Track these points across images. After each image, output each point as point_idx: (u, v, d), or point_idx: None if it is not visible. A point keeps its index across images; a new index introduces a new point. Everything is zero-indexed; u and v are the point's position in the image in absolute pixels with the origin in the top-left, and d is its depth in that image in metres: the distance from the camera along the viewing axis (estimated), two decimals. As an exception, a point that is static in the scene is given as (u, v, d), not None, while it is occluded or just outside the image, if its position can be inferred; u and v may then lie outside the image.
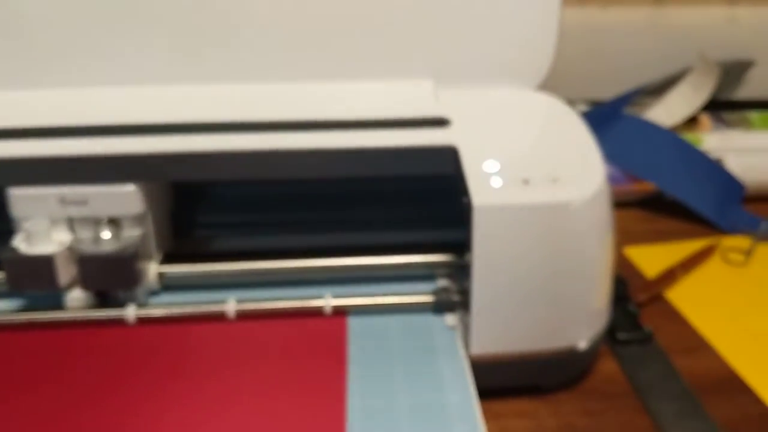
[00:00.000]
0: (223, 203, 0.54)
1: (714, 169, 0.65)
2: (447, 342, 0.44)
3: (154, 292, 0.48)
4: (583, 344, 0.44)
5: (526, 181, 0.41)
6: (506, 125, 0.46)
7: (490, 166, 0.42)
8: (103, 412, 0.39)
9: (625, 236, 0.62)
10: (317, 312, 0.46)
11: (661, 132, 0.67)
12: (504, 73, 0.50)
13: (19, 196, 0.43)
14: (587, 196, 0.40)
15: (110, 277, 0.44)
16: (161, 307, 0.45)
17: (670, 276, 0.55)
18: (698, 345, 0.49)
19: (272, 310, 0.46)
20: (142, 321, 0.45)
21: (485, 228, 0.40)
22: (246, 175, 0.44)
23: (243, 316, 0.45)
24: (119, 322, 0.45)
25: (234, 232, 0.53)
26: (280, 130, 0.44)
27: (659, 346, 0.49)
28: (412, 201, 0.54)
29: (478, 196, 0.40)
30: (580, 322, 0.43)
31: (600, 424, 0.43)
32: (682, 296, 0.54)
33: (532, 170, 0.41)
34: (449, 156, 0.43)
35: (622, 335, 0.48)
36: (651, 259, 0.59)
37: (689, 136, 0.71)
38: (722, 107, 0.75)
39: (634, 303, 0.51)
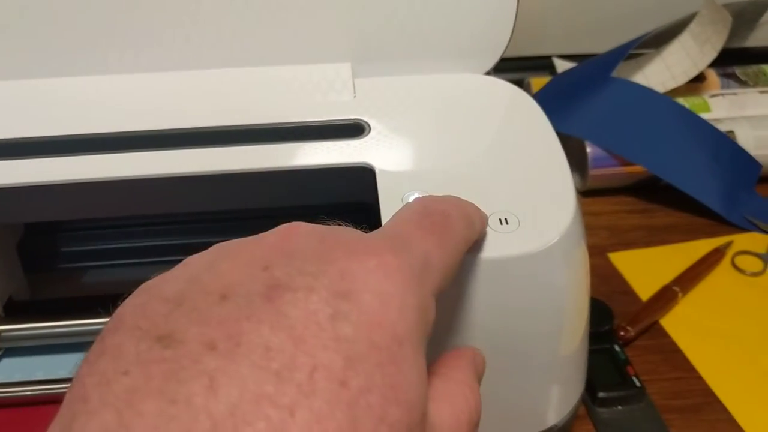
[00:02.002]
0: (88, 226, 0.42)
1: (723, 145, 0.53)
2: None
3: (-8, 358, 0.36)
4: (555, 423, 0.33)
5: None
6: (442, 130, 0.34)
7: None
8: None
9: (610, 234, 0.51)
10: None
11: (659, 100, 0.54)
12: (446, 53, 0.37)
13: None
14: (552, 244, 0.28)
15: None
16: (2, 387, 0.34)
17: (667, 297, 0.44)
18: (702, 401, 0.38)
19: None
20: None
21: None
22: (116, 212, 0.33)
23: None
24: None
25: (106, 261, 0.41)
26: (164, 144, 0.32)
27: (652, 405, 0.38)
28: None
29: (395, 249, 0.28)
30: (549, 397, 0.32)
31: None
32: (681, 325, 0.43)
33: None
34: (364, 179, 0.32)
35: (603, 394, 0.37)
36: (642, 266, 0.47)
37: (692, 101, 0.58)
38: (734, 59, 0.62)
39: (620, 342, 0.40)
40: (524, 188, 0.31)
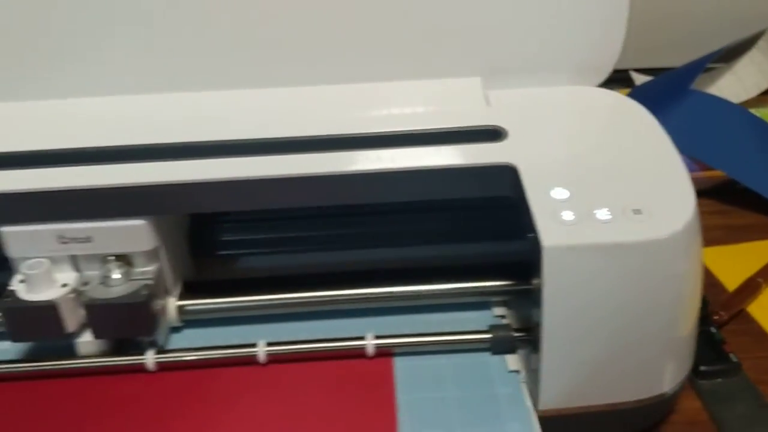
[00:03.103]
0: (245, 218, 0.48)
1: (795, 152, 0.58)
2: (510, 391, 0.38)
3: (175, 329, 0.42)
4: (667, 390, 0.38)
5: (601, 213, 0.34)
6: (571, 136, 0.39)
7: (558, 192, 0.35)
8: None
9: (694, 232, 0.56)
10: (359, 353, 0.40)
11: (735, 110, 0.59)
12: (564, 67, 0.43)
13: (13, 235, 0.38)
14: (677, 231, 0.34)
15: (123, 325, 0.38)
16: (184, 351, 0.40)
17: (752, 287, 0.49)
18: (793, 376, 0.43)
19: (307, 351, 0.40)
20: (163, 367, 0.40)
21: (557, 271, 0.33)
22: (272, 204, 0.38)
23: (274, 359, 0.40)
24: (138, 369, 0.40)
25: (259, 250, 0.47)
26: (310, 149, 0.38)
27: (747, 378, 0.43)
28: (456, 209, 0.48)
29: (548, 235, 0.33)
30: (665, 366, 0.37)
31: (686, 481, 0.37)
32: (767, 311, 0.48)
33: (608, 198, 0.35)
34: (507, 177, 0.37)
35: (705, 367, 0.42)
36: (727, 262, 0.52)
37: (763, 111, 0.63)
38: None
39: (715, 324, 0.45)
40: (650, 184, 0.36)
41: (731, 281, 0.50)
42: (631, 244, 0.33)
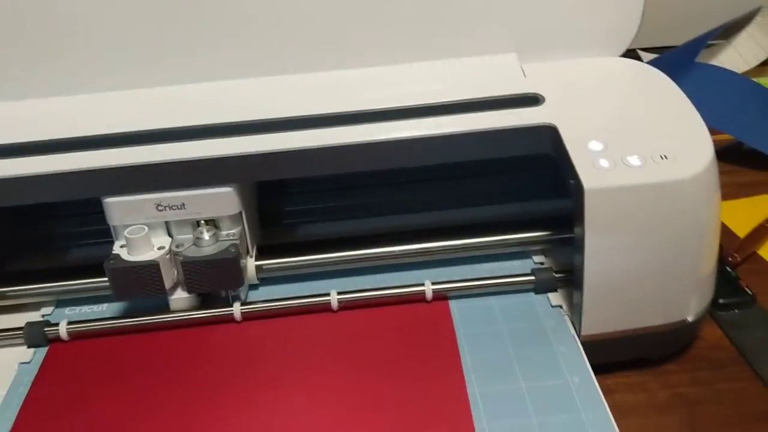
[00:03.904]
0: (303, 188, 0.53)
1: (794, 114, 0.64)
2: (555, 323, 0.44)
3: (252, 286, 0.48)
4: (692, 317, 0.43)
5: (633, 160, 0.40)
6: (601, 98, 0.45)
7: (594, 145, 0.41)
8: (224, 406, 0.39)
9: (705, 190, 0.61)
10: (419, 298, 0.46)
11: (737, 79, 0.65)
12: (590, 40, 0.48)
13: (116, 205, 0.43)
14: (699, 172, 0.39)
15: (215, 279, 0.44)
16: (266, 302, 0.46)
17: (762, 232, 0.54)
18: (801, 306, 0.49)
19: (374, 298, 0.46)
20: (247, 317, 0.45)
21: (596, 211, 0.39)
22: (347, 168, 0.43)
23: (345, 306, 0.46)
24: (226, 321, 0.45)
25: (319, 218, 0.53)
26: (374, 119, 0.44)
27: (762, 308, 0.48)
28: (493, 174, 0.53)
29: (588, 178, 0.39)
30: (689, 295, 0.43)
31: (713, 393, 0.43)
32: (776, 253, 0.53)
33: (638, 147, 0.40)
34: (549, 135, 0.42)
35: (722, 299, 0.48)
36: (736, 214, 0.58)
37: (763, 81, 0.69)
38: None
39: (730, 265, 0.51)
40: (673, 135, 0.41)
41: (742, 230, 0.56)
42: (659, 184, 0.39)
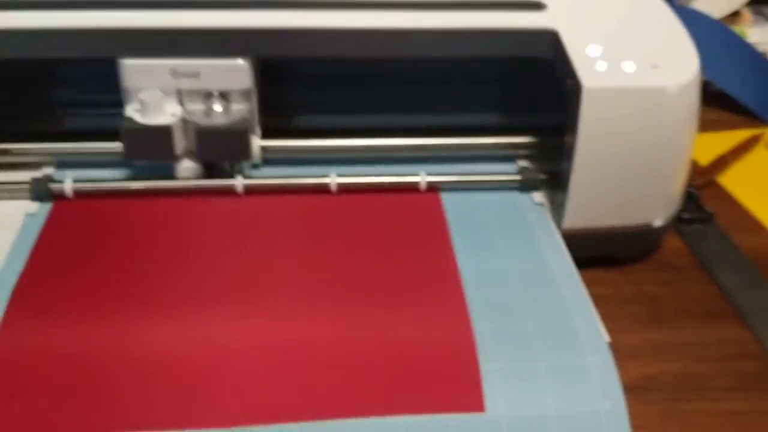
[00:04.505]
0: (304, 81, 0.55)
1: (760, 61, 0.68)
2: (537, 217, 0.47)
3: (255, 166, 0.50)
4: (659, 222, 0.47)
5: (628, 66, 0.43)
6: (600, 11, 0.48)
7: (592, 50, 0.44)
8: (226, 273, 0.42)
9: (673, 124, 0.66)
10: (413, 188, 0.48)
11: (710, 22, 0.69)
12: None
13: (132, 67, 0.44)
14: (686, 82, 0.43)
15: (224, 148, 0.46)
16: (267, 177, 0.48)
17: (722, 162, 0.59)
18: (754, 226, 0.54)
19: (372, 184, 0.48)
20: (249, 191, 0.47)
21: (593, 110, 0.42)
22: (351, 52, 0.45)
23: (344, 189, 0.48)
24: (228, 192, 0.47)
25: (318, 110, 0.55)
26: (380, 8, 0.46)
27: (719, 226, 0.53)
28: (491, 83, 0.56)
29: (587, 78, 0.42)
30: (661, 202, 0.47)
31: (673, 291, 0.47)
32: (734, 182, 0.58)
33: (633, 56, 0.44)
34: (550, 39, 0.45)
35: (685, 214, 0.52)
36: (701, 147, 0.62)
37: (735, 29, 0.73)
38: (764, 1, 0.78)
39: (693, 187, 0.55)
40: (664, 48, 0.45)
41: (703, 158, 0.60)
42: (651, 88, 0.42)
